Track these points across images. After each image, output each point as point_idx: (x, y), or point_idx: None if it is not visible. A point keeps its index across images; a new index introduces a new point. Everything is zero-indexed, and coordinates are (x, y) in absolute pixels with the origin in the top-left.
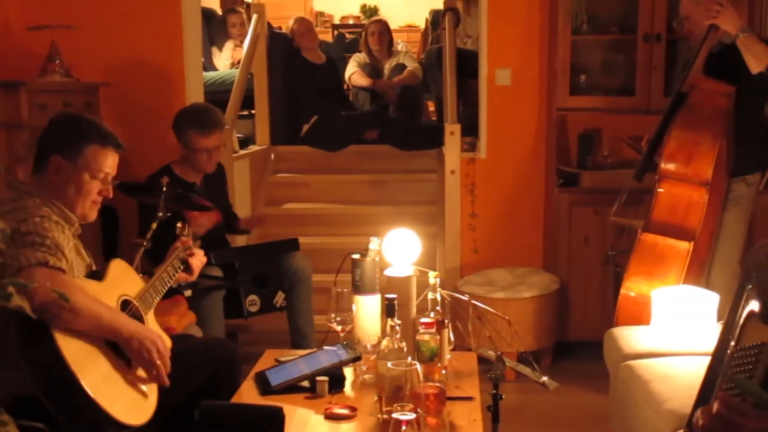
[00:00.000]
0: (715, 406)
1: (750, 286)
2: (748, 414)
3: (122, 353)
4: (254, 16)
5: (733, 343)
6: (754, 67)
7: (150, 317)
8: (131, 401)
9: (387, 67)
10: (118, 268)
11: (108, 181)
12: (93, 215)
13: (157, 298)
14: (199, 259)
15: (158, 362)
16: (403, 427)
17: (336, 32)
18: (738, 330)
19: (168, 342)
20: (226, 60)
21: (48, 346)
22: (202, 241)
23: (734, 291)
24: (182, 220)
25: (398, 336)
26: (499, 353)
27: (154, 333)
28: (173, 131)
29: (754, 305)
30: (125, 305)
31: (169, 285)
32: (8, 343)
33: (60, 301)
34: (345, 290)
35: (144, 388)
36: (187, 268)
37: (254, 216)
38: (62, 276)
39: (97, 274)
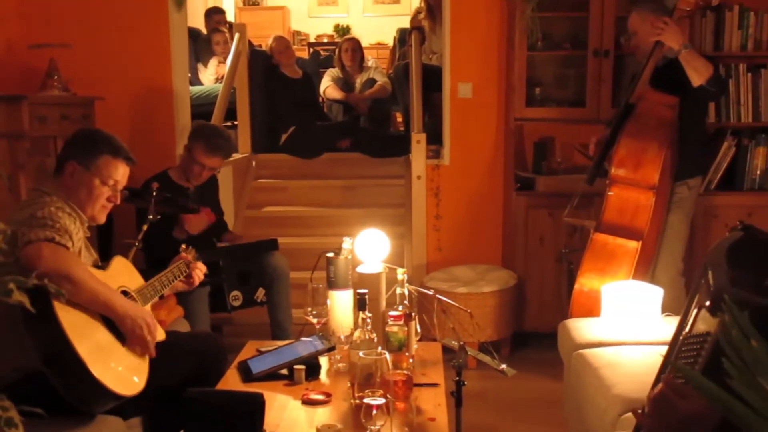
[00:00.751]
0: (658, 387)
1: (703, 281)
2: (689, 396)
3: (116, 329)
4: (236, 35)
5: (685, 332)
6: (696, 80)
7: (147, 309)
8: (123, 373)
9: (358, 81)
10: (120, 263)
11: (117, 189)
12: (102, 219)
13: (155, 296)
14: (201, 270)
15: (148, 338)
16: (374, 411)
17: (311, 49)
18: (690, 321)
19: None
20: (210, 75)
21: (48, 316)
22: (191, 241)
23: (677, 286)
24: (175, 223)
25: (369, 328)
26: (461, 343)
27: (144, 311)
28: (189, 136)
29: (705, 299)
30: (124, 295)
31: (166, 287)
32: (12, 320)
33: (61, 272)
34: (320, 286)
35: (135, 362)
36: (188, 278)
37: (235, 234)
38: (66, 251)
39: (101, 268)
